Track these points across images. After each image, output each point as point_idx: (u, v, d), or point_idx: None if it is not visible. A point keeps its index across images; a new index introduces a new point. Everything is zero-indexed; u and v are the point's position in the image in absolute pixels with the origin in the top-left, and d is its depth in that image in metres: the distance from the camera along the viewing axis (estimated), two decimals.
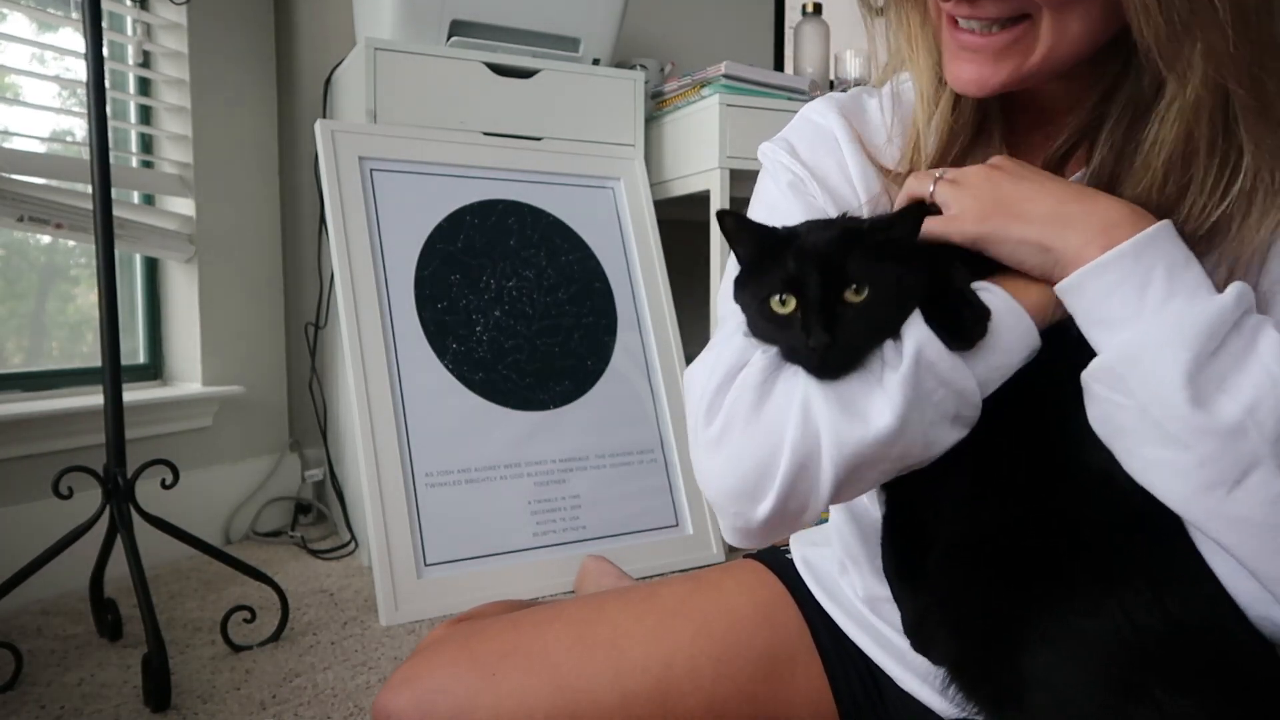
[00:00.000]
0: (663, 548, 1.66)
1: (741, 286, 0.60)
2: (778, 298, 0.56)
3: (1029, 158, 0.67)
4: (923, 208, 0.58)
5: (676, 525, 1.69)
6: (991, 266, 0.59)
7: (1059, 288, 0.55)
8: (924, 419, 0.54)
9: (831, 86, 2.14)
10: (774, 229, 0.59)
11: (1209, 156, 0.55)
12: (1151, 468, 0.52)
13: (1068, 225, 0.55)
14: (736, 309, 0.61)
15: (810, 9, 2.15)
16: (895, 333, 0.55)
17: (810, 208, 0.68)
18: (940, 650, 0.61)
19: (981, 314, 0.55)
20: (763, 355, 0.58)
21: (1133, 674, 0.50)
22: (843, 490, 0.56)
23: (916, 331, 0.54)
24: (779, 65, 2.71)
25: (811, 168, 0.70)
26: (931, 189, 0.60)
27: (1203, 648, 0.51)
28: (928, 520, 0.60)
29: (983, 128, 0.67)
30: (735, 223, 0.59)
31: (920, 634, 0.62)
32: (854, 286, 0.54)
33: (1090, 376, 0.54)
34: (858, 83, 2.07)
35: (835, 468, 0.54)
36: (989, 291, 0.56)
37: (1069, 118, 0.64)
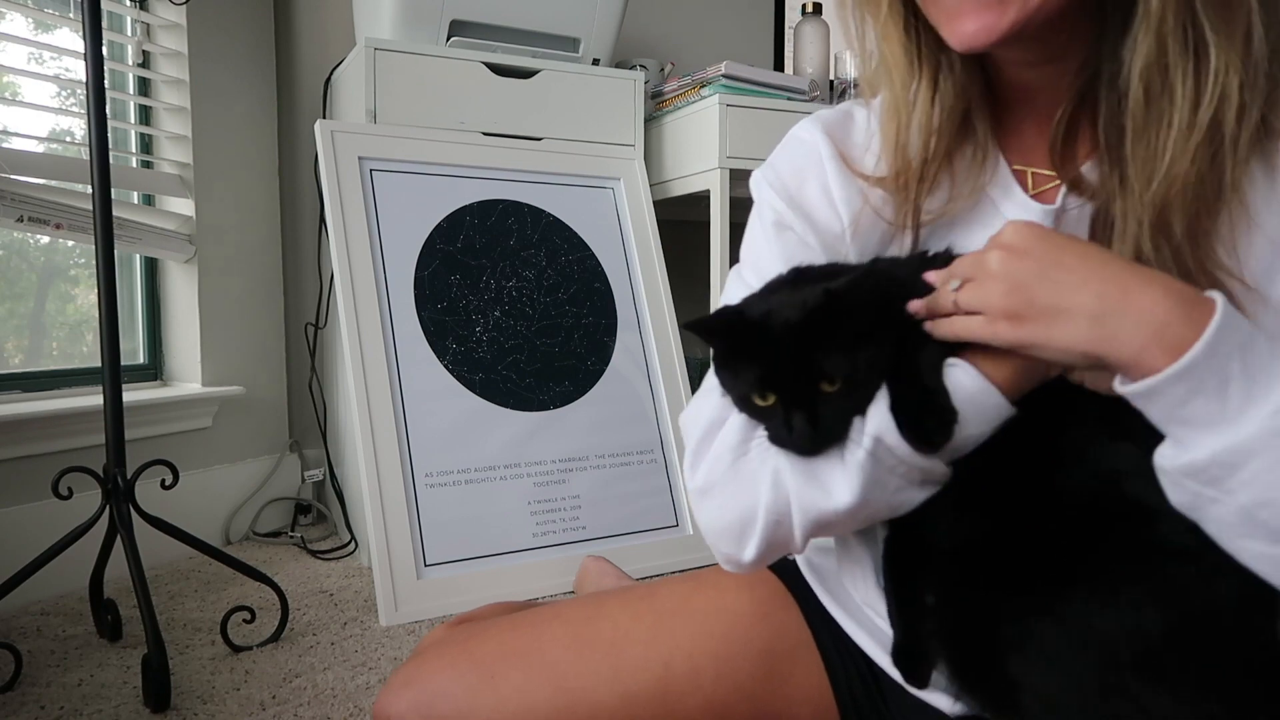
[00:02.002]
0: (663, 548, 1.66)
1: (720, 373, 0.63)
2: (756, 395, 0.58)
3: (1025, 150, 0.67)
4: (875, 268, 0.60)
5: (676, 525, 1.69)
6: None
7: (1127, 392, 0.52)
8: (887, 490, 0.57)
9: (831, 86, 2.14)
10: (741, 313, 0.60)
11: (1182, 56, 0.56)
12: (1260, 560, 0.50)
13: (1116, 328, 0.51)
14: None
15: (810, 9, 2.15)
16: (865, 407, 0.57)
17: (788, 250, 0.70)
18: (924, 671, 0.63)
19: (946, 418, 0.55)
20: (738, 416, 0.63)
21: (1113, 674, 0.51)
22: (819, 536, 0.62)
23: (877, 416, 0.56)
24: (779, 65, 2.71)
25: (794, 198, 0.71)
26: (954, 300, 0.56)
27: (1184, 649, 0.51)
28: (927, 533, 0.61)
29: (966, 123, 0.66)
30: (705, 326, 0.61)
31: (902, 654, 0.64)
32: (829, 379, 0.56)
33: (1178, 473, 0.51)
34: (857, 83, 2.07)
35: (803, 529, 0.60)
36: (959, 369, 0.56)
37: (1056, 102, 0.64)
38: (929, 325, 0.58)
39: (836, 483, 0.57)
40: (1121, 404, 0.53)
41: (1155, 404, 0.51)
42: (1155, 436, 0.53)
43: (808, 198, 0.71)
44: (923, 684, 0.63)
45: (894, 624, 0.65)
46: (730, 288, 0.74)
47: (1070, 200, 0.65)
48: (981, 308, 0.54)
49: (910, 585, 0.63)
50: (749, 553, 0.63)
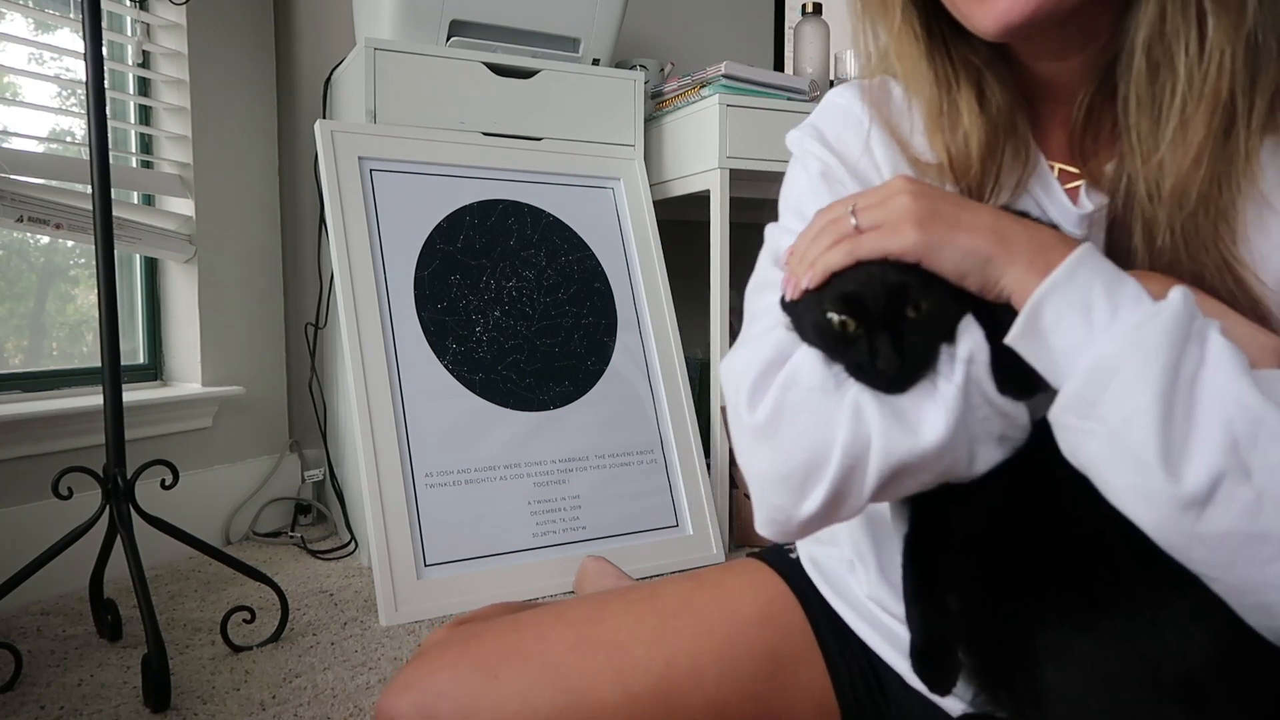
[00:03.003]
0: (663, 548, 1.66)
1: (789, 300, 0.59)
2: (837, 319, 0.55)
3: (1049, 145, 0.67)
4: None
5: (676, 525, 1.69)
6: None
7: (1011, 339, 0.53)
8: (970, 434, 0.54)
9: (831, 86, 2.14)
10: None
11: (1184, 25, 0.56)
12: (1126, 493, 0.50)
13: (1009, 239, 0.54)
14: (770, 309, 0.61)
15: (810, 9, 2.15)
16: (951, 336, 0.54)
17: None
18: (950, 679, 0.60)
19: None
20: (808, 350, 0.58)
21: (1152, 695, 0.50)
22: (880, 495, 0.56)
23: (969, 341, 0.54)
24: (779, 65, 2.71)
25: (840, 154, 0.70)
26: (853, 222, 0.56)
27: (1228, 674, 0.50)
28: (954, 523, 0.59)
29: (1011, 123, 0.66)
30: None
31: (926, 659, 0.61)
32: (915, 303, 0.53)
33: (1061, 410, 0.52)
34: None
35: (879, 474, 0.54)
36: None
37: (1082, 80, 0.64)
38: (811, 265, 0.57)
39: (927, 419, 0.53)
40: None
41: (1031, 342, 0.52)
42: None
43: (852, 156, 0.69)
44: (946, 692, 0.61)
45: (913, 625, 0.62)
46: (773, 239, 0.71)
47: (1094, 198, 0.65)
48: (885, 220, 0.55)
49: (933, 583, 0.61)
50: (809, 505, 0.56)
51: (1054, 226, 0.58)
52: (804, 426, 0.56)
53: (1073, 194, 0.66)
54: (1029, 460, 0.56)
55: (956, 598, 0.59)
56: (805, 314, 0.57)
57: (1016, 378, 0.54)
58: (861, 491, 0.55)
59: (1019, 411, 0.54)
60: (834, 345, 0.56)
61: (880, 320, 0.53)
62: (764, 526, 0.61)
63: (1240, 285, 0.58)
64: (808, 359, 0.57)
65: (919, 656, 0.61)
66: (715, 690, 0.72)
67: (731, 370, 0.62)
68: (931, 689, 0.62)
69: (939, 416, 0.53)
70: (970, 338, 0.54)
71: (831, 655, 0.74)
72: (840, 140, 0.71)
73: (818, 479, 0.55)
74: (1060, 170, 0.67)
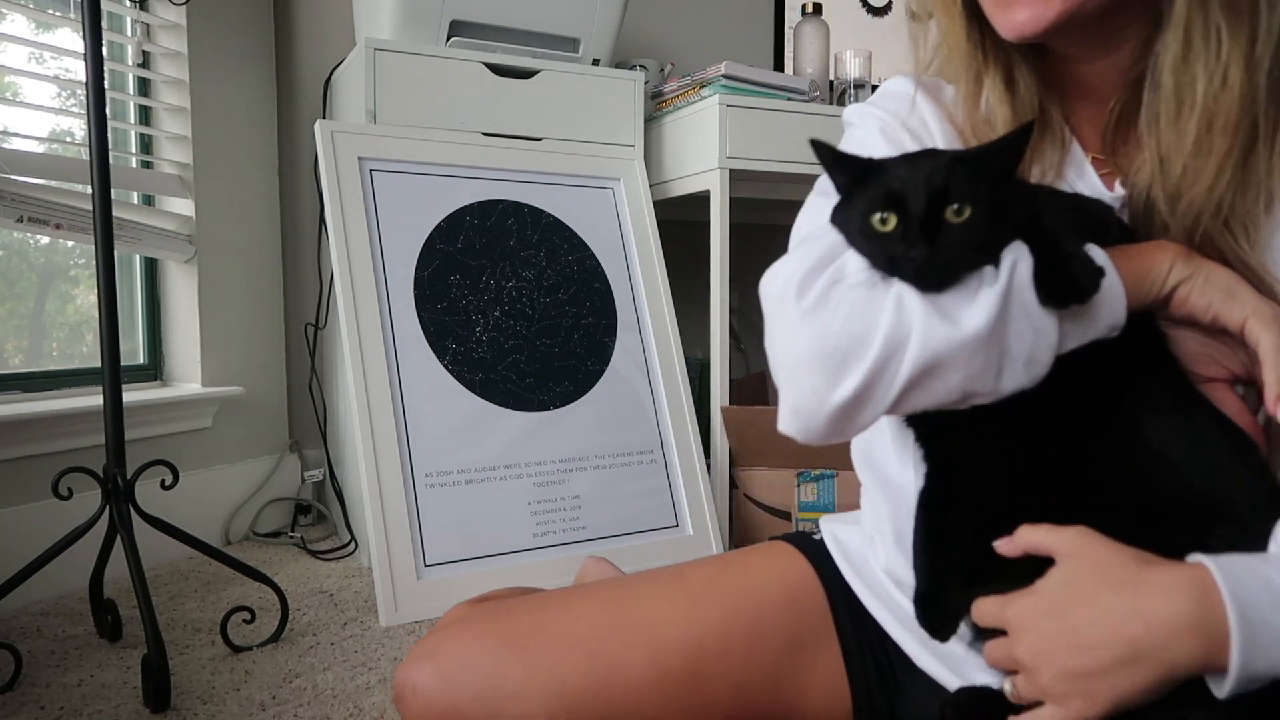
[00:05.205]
0: (663, 548, 1.66)
1: (841, 208, 0.61)
2: (878, 216, 0.57)
3: (1086, 130, 0.72)
4: (1028, 129, 0.58)
5: (676, 525, 1.69)
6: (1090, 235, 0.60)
7: (1225, 695, 0.50)
8: (1003, 343, 0.55)
9: (831, 86, 2.14)
10: (873, 160, 0.61)
11: (1204, 49, 0.61)
12: None
13: (1162, 658, 0.51)
14: (818, 233, 0.63)
15: (810, 9, 2.15)
16: (994, 257, 0.56)
17: (900, 149, 0.70)
18: (949, 625, 0.62)
19: (1096, 271, 0.56)
20: (857, 253, 0.60)
21: None
22: (910, 393, 0.57)
23: (1014, 255, 0.56)
24: (779, 65, 2.71)
25: (903, 120, 0.74)
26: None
27: None
28: (966, 483, 0.62)
29: (1043, 110, 0.71)
30: (832, 152, 0.61)
31: (927, 605, 0.63)
32: (955, 207, 0.55)
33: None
34: (857, 83, 2.07)
35: (915, 364, 0.55)
36: (1094, 251, 0.58)
37: (1109, 94, 0.70)
38: None
39: (967, 312, 0.54)
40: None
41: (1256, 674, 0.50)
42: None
43: (914, 126, 0.74)
44: (945, 638, 0.63)
45: (918, 572, 0.64)
46: (814, 204, 0.73)
47: (1123, 187, 0.69)
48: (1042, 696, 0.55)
49: (942, 533, 0.63)
50: (842, 390, 0.56)
51: None
52: (849, 310, 0.57)
53: (1108, 180, 0.70)
54: (1037, 430, 0.59)
55: (968, 542, 0.61)
56: (852, 220, 0.59)
57: (1059, 289, 0.55)
58: (893, 383, 0.56)
59: (1051, 329, 0.55)
60: (874, 244, 0.57)
61: (916, 217, 0.56)
62: (790, 417, 0.60)
63: (1253, 278, 0.61)
64: (856, 259, 0.59)
65: (921, 601, 0.63)
66: (740, 672, 0.72)
67: (776, 274, 0.62)
68: (932, 635, 0.63)
69: (979, 311, 0.54)
70: (1016, 251, 0.56)
71: (847, 640, 0.75)
72: (899, 114, 0.75)
73: (856, 362, 0.56)
74: (1092, 158, 0.72)
